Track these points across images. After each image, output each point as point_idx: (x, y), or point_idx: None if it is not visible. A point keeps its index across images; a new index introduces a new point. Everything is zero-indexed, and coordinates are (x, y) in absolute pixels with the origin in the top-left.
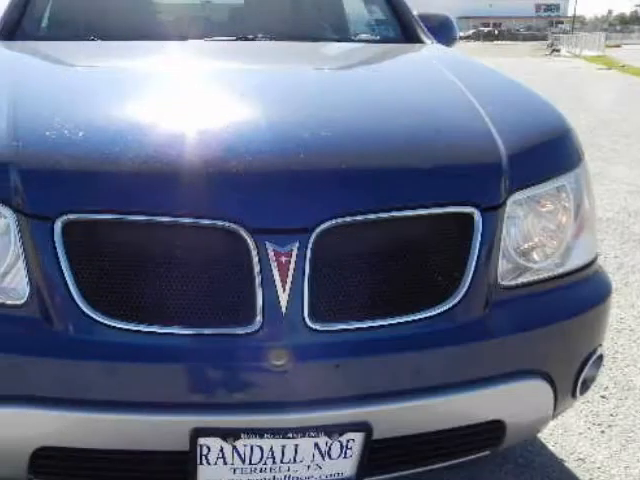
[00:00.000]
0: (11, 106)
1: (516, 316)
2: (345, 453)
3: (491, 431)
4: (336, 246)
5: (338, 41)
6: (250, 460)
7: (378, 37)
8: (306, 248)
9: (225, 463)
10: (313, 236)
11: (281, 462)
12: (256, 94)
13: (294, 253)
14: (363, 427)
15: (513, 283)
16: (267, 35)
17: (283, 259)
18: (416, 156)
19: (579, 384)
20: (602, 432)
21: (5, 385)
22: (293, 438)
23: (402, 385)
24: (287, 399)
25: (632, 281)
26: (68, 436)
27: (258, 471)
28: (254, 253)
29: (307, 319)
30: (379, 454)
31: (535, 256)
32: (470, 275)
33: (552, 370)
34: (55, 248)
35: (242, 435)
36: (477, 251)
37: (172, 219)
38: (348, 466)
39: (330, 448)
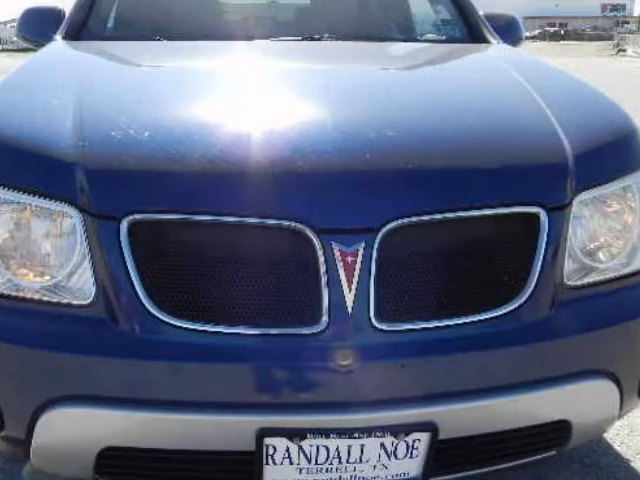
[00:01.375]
0: (77, 106)
1: (582, 316)
2: (411, 453)
3: (557, 431)
4: (402, 246)
5: (404, 41)
6: (316, 460)
7: (444, 37)
8: (372, 248)
9: (291, 463)
10: (379, 236)
11: (347, 462)
12: (322, 94)
13: (360, 253)
14: (429, 427)
15: (579, 283)
16: (333, 35)
17: (349, 259)
18: (482, 156)
19: None
20: None
21: (72, 385)
22: (359, 438)
23: (468, 385)
24: (353, 399)
25: None
26: (134, 436)
27: (324, 471)
28: (320, 253)
29: (373, 319)
30: (445, 454)
31: (601, 256)
32: (536, 275)
33: (618, 370)
34: (121, 248)
35: (308, 435)
36: (543, 251)
37: (238, 219)
38: (414, 466)
39: (396, 448)
